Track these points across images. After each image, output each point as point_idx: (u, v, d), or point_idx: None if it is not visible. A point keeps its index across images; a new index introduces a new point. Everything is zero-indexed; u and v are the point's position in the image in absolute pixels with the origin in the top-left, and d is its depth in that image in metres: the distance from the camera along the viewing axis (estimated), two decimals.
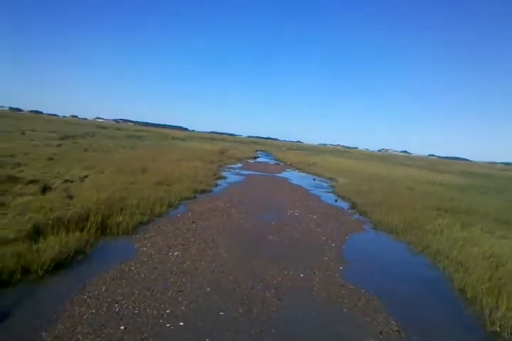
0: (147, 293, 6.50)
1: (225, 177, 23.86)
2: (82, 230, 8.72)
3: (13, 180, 12.91)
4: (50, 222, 8.49)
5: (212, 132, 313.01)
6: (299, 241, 10.95)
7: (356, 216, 15.75)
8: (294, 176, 30.74)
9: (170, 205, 13.24)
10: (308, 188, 23.48)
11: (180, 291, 6.72)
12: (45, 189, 11.88)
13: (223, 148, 59.42)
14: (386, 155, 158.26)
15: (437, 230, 12.91)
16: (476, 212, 17.02)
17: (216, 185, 20.20)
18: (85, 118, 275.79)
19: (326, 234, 12.05)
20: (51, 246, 7.40)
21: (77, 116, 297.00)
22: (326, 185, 26.57)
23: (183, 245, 9.34)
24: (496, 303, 7.18)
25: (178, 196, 14.72)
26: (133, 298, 6.23)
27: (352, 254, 10.24)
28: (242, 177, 25.49)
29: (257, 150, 72.66)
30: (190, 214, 12.70)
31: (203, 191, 17.29)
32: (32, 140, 30.28)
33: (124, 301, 6.10)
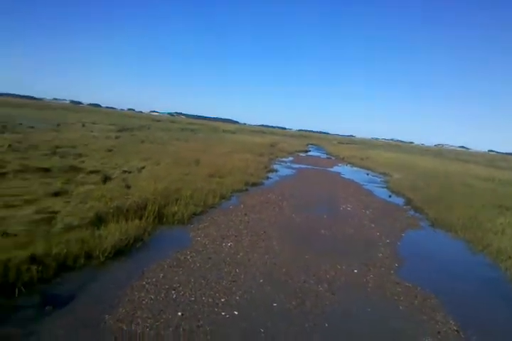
0: (202, 281, 6.66)
1: (276, 171, 23.89)
2: (140, 219, 9.05)
3: (75, 169, 13.62)
4: (111, 211, 8.87)
5: (262, 125, 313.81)
6: (352, 236, 10.79)
7: (412, 212, 15.28)
8: (346, 170, 30.28)
9: (222, 197, 13.43)
10: (361, 183, 23.05)
11: (234, 281, 6.83)
12: (105, 179, 12.43)
13: (273, 141, 59.36)
14: (442, 150, 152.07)
15: (498, 229, 12.30)
16: None
17: (267, 177, 20.26)
18: (141, 112, 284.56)
19: (380, 230, 11.80)
20: (112, 234, 7.73)
21: (133, 110, 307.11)
22: (379, 180, 25.96)
23: (235, 236, 9.47)
24: None
25: (230, 188, 14.90)
26: (189, 286, 6.40)
27: (408, 251, 9.96)
28: (294, 171, 25.41)
29: (308, 144, 72.04)
30: (242, 206, 12.84)
31: (254, 184, 17.39)
32: (92, 131, 31.72)
33: (180, 288, 6.28)
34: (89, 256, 6.96)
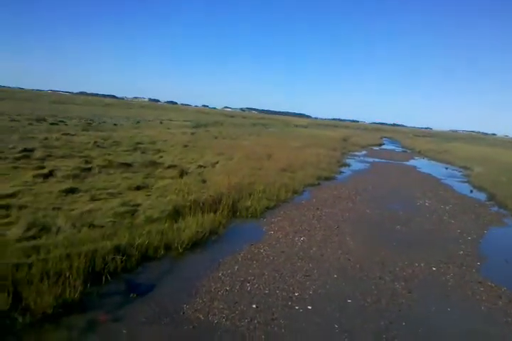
0: (276, 275, 6.72)
1: (348, 165, 23.45)
2: (215, 212, 9.30)
3: (154, 164, 14.30)
4: (188, 204, 9.22)
5: (334, 119, 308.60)
6: (430, 232, 10.32)
7: (495, 208, 14.29)
8: (422, 164, 28.95)
9: (294, 191, 13.43)
10: (439, 177, 21.91)
11: (307, 276, 6.81)
12: (182, 173, 12.93)
13: (346, 135, 58.22)
14: None
15: None
16: None
17: (340, 172, 19.96)
18: (215, 108, 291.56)
19: (460, 226, 11.16)
20: (189, 226, 8.04)
21: (207, 106, 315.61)
22: (459, 174, 24.56)
23: (308, 231, 9.44)
24: None
25: (302, 182, 14.87)
26: (263, 279, 6.49)
27: (491, 249, 9.35)
28: (367, 165, 24.79)
29: (382, 137, 69.81)
30: (314, 200, 12.75)
31: (326, 178, 17.21)
32: (169, 128, 33.08)
33: (255, 281, 6.39)
34: (168, 247, 7.29)
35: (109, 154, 15.57)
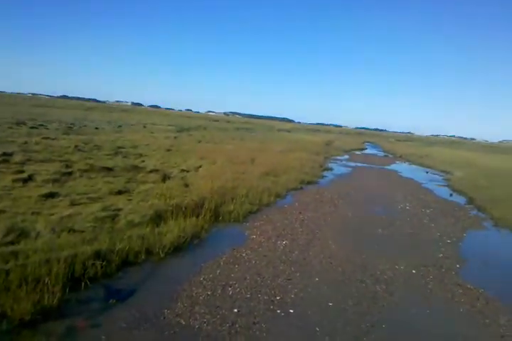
0: (258, 279, 6.72)
1: (331, 169, 23.60)
2: (197, 216, 9.25)
3: (136, 169, 14.18)
4: (170, 208, 9.15)
5: (318, 123, 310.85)
6: (411, 236, 10.45)
7: (474, 212, 14.54)
8: (404, 168, 29.35)
9: (277, 195, 13.45)
10: (420, 181, 22.22)
11: (289, 280, 6.82)
12: (164, 178, 12.85)
13: (329, 139, 58.69)
14: (508, 146, 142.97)
15: None
16: None
17: (322, 176, 20.06)
18: (198, 112, 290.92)
19: (440, 229, 11.33)
20: (171, 231, 7.98)
21: (191, 110, 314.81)
22: (439, 178, 24.92)
23: (290, 235, 9.46)
24: None
25: (285, 187, 14.91)
26: (245, 283, 6.48)
27: (470, 252, 9.51)
28: (349, 169, 24.99)
29: (364, 142, 70.50)
30: (297, 204, 12.80)
31: (309, 182, 17.28)
32: (152, 132, 32.88)
33: (236, 285, 6.37)
34: (149, 252, 7.22)
35: (90, 158, 15.37)
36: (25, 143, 17.38)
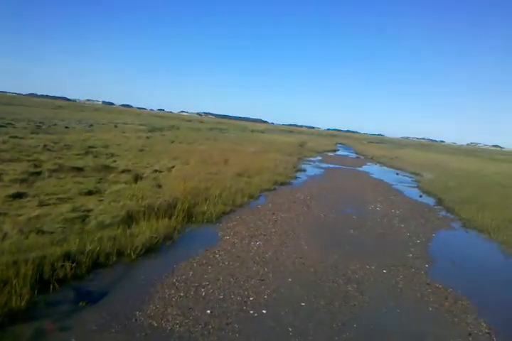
0: (231, 279, 6.71)
1: (304, 170, 23.77)
2: (170, 217, 9.17)
3: (107, 169, 13.94)
4: (142, 209, 9.03)
5: (291, 124, 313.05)
6: (382, 236, 10.64)
7: (443, 213, 14.91)
8: (375, 170, 29.80)
9: (251, 196, 13.46)
10: (390, 183, 22.63)
11: (262, 280, 6.84)
12: (136, 178, 12.68)
13: (302, 140, 59.02)
14: (475, 149, 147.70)
15: None
16: None
17: (296, 177, 20.18)
18: (171, 112, 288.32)
19: (410, 230, 11.58)
20: (143, 232, 7.89)
21: (163, 110, 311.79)
22: (409, 179, 25.43)
23: (264, 235, 9.48)
24: None
25: (259, 187, 14.93)
26: (218, 284, 6.46)
27: (439, 252, 9.74)
28: (322, 170, 25.22)
29: (336, 143, 71.35)
30: (270, 205, 12.84)
31: (282, 183, 17.37)
32: (124, 132, 32.39)
33: (209, 286, 6.35)
34: (120, 253, 7.11)
35: (60, 158, 15.02)
36: None
